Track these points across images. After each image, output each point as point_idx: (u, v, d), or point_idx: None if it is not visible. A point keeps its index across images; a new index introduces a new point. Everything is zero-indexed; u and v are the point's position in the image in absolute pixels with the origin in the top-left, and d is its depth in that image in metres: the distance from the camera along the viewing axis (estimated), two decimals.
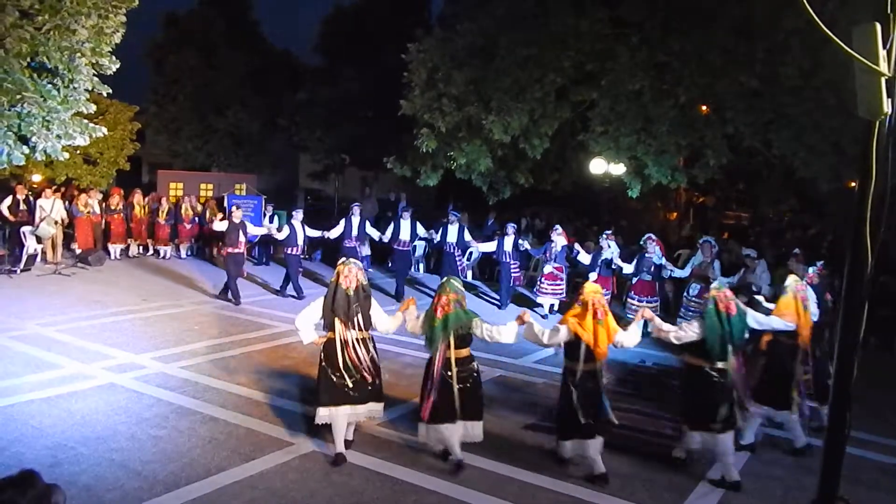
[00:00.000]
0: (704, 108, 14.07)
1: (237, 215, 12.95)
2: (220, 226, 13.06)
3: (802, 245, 13.46)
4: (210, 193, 22.82)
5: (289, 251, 13.52)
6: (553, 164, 16.77)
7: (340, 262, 6.17)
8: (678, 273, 11.74)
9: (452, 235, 14.11)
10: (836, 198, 15.05)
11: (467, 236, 14.12)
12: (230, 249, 12.70)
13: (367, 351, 5.98)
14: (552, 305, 13.13)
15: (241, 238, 12.74)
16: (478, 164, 15.30)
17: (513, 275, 13.55)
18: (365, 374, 5.91)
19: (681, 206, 19.30)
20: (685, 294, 11.51)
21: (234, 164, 27.55)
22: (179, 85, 26.23)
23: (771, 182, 17.39)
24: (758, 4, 11.82)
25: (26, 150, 11.06)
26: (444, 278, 6.17)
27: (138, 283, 13.45)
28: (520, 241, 13.54)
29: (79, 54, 10.81)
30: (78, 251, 15.06)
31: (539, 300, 13.10)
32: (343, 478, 5.56)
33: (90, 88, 11.34)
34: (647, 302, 11.46)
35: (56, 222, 14.25)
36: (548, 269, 12.92)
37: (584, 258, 12.72)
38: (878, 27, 2.82)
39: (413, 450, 6.11)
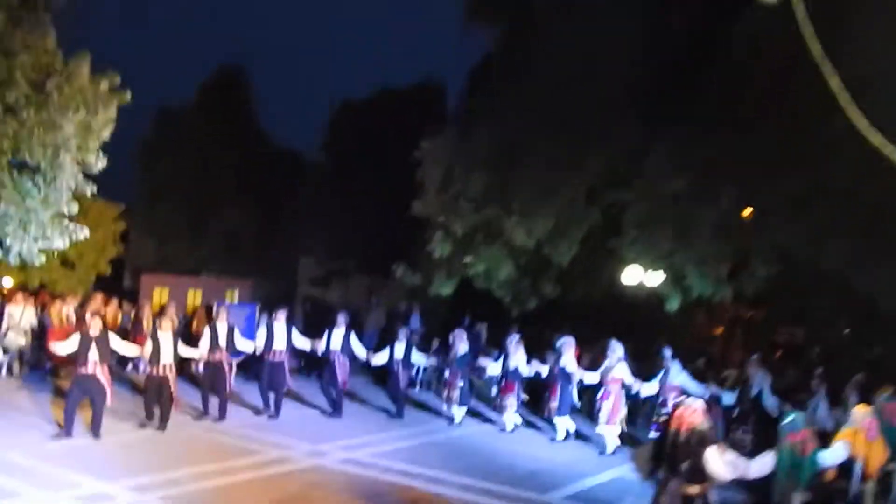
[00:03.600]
0: (748, 212, 14.22)
1: (95, 326, 10.70)
2: (65, 347, 10.90)
3: (865, 367, 13.25)
4: (198, 300, 22.94)
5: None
6: (582, 272, 16.84)
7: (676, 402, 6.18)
8: (588, 379, 12.25)
9: (336, 342, 13.17)
10: None
11: (354, 343, 13.41)
12: (79, 370, 10.52)
13: None
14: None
15: (95, 357, 10.42)
16: (498, 271, 15.39)
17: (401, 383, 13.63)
18: None
19: (726, 321, 19.24)
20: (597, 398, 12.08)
21: (228, 269, 27.90)
22: (170, 184, 26.95)
23: (824, 297, 17.29)
24: (804, 101, 12.04)
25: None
26: (786, 413, 6.37)
27: (114, 400, 13.33)
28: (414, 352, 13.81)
29: (63, 150, 11.15)
30: (48, 365, 15.00)
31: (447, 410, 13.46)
32: None
33: (74, 187, 11.67)
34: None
35: (25, 332, 14.30)
36: (447, 375, 13.44)
37: (492, 369, 13.20)
38: None
39: None
